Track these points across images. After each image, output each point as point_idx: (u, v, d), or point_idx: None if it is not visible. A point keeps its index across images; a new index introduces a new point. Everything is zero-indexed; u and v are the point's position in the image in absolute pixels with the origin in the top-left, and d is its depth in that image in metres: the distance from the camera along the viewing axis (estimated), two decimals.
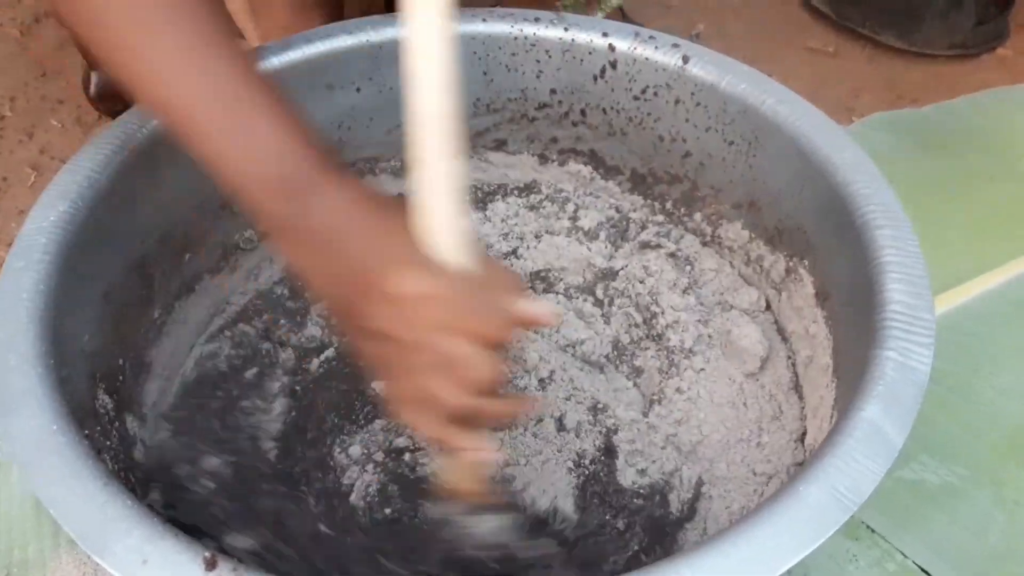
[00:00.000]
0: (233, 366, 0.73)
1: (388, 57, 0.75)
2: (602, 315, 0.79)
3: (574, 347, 0.76)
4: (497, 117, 0.81)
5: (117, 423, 0.61)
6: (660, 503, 0.65)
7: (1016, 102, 1.18)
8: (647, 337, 0.76)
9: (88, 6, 0.46)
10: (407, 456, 0.67)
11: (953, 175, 1.03)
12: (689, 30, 1.25)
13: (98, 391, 0.59)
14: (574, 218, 0.84)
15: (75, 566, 0.66)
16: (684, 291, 0.78)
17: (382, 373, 0.51)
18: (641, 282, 0.79)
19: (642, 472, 0.67)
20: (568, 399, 0.71)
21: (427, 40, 0.43)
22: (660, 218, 0.83)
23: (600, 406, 0.71)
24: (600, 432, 0.69)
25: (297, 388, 0.72)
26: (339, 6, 1.07)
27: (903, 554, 0.69)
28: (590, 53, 0.76)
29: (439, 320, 0.45)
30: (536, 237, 0.84)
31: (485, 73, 0.78)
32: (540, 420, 0.70)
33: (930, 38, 1.27)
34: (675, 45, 0.74)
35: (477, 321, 0.46)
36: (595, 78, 0.77)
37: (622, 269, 0.81)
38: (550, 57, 0.77)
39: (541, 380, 0.72)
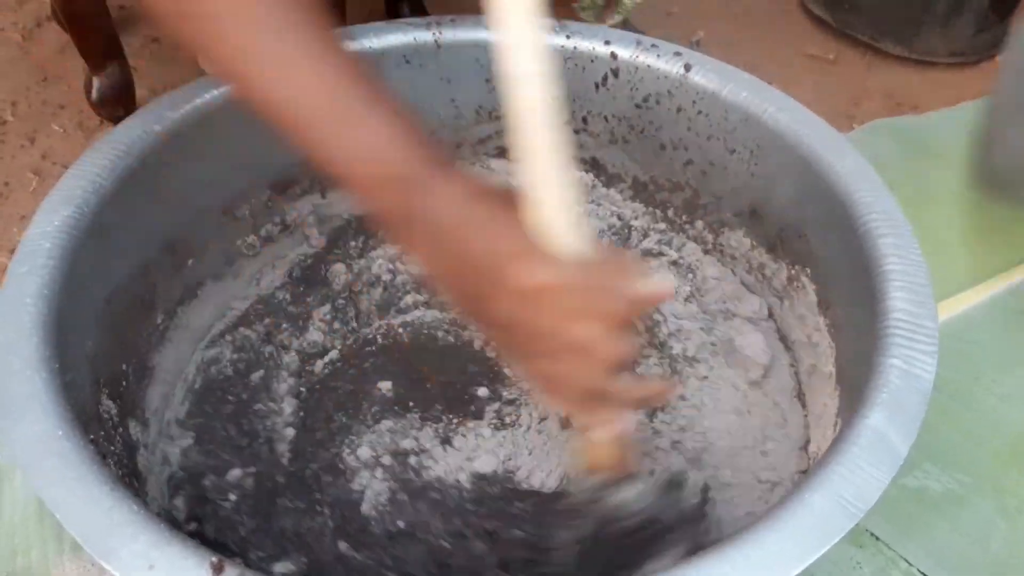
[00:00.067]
0: (237, 370, 0.73)
1: (390, 64, 0.75)
2: None
3: None
4: (499, 124, 0.81)
5: (121, 428, 0.61)
6: None
7: None
8: (650, 345, 0.76)
9: (192, 3, 0.46)
10: (412, 459, 0.67)
11: (954, 182, 1.03)
12: (689, 37, 1.25)
13: (102, 396, 0.59)
14: None
15: (78, 572, 0.65)
16: (686, 299, 0.78)
17: (517, 360, 0.54)
18: None
19: (650, 474, 0.67)
20: None
21: (524, 37, 0.43)
22: (662, 226, 0.83)
23: None
24: None
25: (303, 389, 0.72)
26: (341, 13, 1.08)
27: (907, 561, 0.68)
28: (592, 61, 0.76)
29: (568, 308, 0.46)
30: None
31: (487, 80, 0.78)
32: (544, 419, 0.70)
33: (930, 45, 1.27)
34: (677, 53, 0.74)
35: (604, 304, 0.47)
36: (597, 86, 0.77)
37: None
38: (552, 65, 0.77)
39: None
